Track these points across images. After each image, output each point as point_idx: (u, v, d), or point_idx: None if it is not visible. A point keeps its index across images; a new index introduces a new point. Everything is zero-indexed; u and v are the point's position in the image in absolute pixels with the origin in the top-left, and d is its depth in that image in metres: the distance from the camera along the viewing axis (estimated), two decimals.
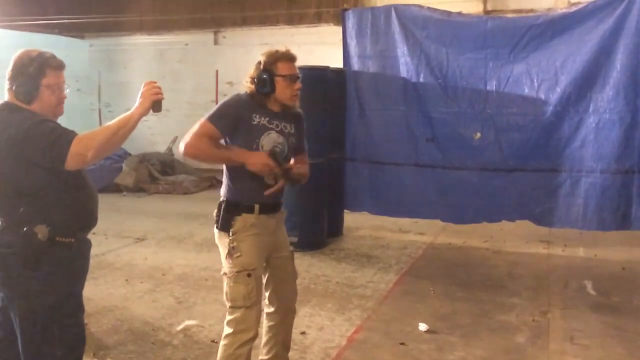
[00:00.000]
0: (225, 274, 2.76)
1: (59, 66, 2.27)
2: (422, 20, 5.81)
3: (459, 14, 5.86)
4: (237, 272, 2.70)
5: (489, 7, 8.97)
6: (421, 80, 5.83)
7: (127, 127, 2.16)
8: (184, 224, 6.93)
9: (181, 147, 2.69)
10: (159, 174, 9.59)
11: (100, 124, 11.34)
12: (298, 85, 2.77)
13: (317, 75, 6.02)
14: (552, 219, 5.48)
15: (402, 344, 3.66)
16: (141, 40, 10.89)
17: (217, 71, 10.15)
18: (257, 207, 2.73)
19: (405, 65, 5.88)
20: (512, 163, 5.55)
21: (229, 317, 2.77)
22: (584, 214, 5.36)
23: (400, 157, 5.93)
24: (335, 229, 6.26)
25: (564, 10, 5.57)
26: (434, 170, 5.86)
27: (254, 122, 2.72)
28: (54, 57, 2.26)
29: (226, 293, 2.75)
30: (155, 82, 2.27)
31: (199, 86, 10.60)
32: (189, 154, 2.69)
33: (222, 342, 2.79)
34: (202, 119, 2.68)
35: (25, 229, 2.17)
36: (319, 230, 5.89)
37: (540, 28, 5.42)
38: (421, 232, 6.45)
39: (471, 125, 5.67)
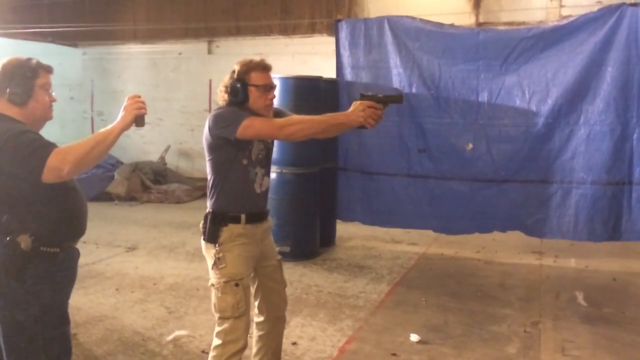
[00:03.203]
0: (212, 285, 2.75)
1: (49, 69, 2.29)
2: (414, 32, 5.85)
3: (451, 25, 5.89)
4: (224, 282, 2.70)
5: (481, 20, 9.03)
6: (414, 91, 5.86)
7: (107, 142, 2.12)
8: (175, 233, 6.90)
9: (282, 137, 2.59)
10: (151, 183, 9.56)
11: (93, 132, 11.29)
12: (272, 95, 2.75)
13: (310, 86, 6.05)
14: (543, 230, 5.51)
15: (393, 354, 3.65)
16: (135, 49, 10.89)
17: (210, 80, 10.15)
18: (243, 216, 2.73)
19: (397, 76, 5.92)
20: (504, 174, 5.57)
21: (217, 328, 2.75)
22: (575, 225, 5.39)
23: (393, 168, 5.95)
24: (327, 239, 6.26)
25: (555, 23, 5.61)
26: (426, 181, 5.87)
27: None
28: (40, 63, 2.27)
29: (214, 304, 2.74)
30: (139, 96, 2.24)
31: (192, 95, 10.60)
32: (289, 135, 2.59)
33: (212, 354, 2.77)
34: (241, 124, 2.53)
35: (7, 238, 2.13)
36: (311, 241, 5.88)
37: (531, 40, 5.46)
38: (413, 242, 6.46)
39: (463, 136, 5.70)
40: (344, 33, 6.16)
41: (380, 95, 2.58)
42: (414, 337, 3.87)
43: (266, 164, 2.85)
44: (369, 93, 2.60)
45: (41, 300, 2.19)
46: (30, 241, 2.14)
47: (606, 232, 5.31)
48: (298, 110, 5.57)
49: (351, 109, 2.51)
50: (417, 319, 4.26)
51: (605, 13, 5.28)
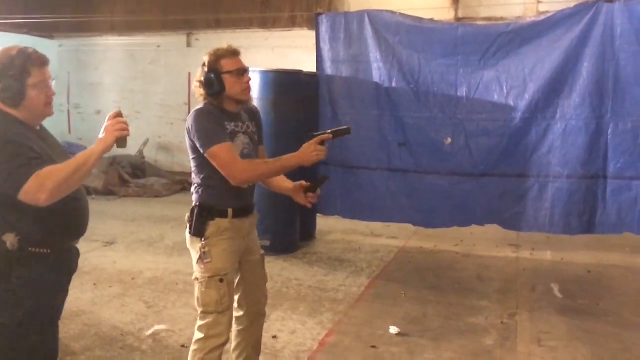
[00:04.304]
0: (196, 279, 2.74)
1: (43, 62, 2.12)
2: (394, 26, 5.86)
3: (431, 20, 5.93)
4: (209, 277, 2.69)
5: (460, 15, 9.10)
6: (394, 85, 5.87)
7: (87, 166, 2.03)
8: (154, 228, 6.85)
9: (232, 180, 2.63)
10: (130, 177, 9.46)
11: (69, 125, 11.15)
12: (247, 78, 2.74)
13: (290, 79, 6.04)
14: (520, 224, 5.57)
15: (373, 347, 3.68)
16: (112, 41, 10.74)
17: (189, 73, 10.05)
18: (230, 211, 2.72)
19: (378, 70, 5.92)
20: (482, 168, 5.62)
21: (200, 322, 2.75)
22: (551, 218, 5.46)
23: (373, 162, 5.96)
24: (307, 233, 6.27)
25: (533, 19, 5.67)
26: (405, 175, 5.90)
27: (228, 130, 2.71)
28: (36, 52, 2.10)
29: (197, 298, 2.73)
30: (121, 116, 2.15)
31: (171, 88, 10.50)
32: (245, 180, 2.67)
33: (193, 348, 2.77)
34: (212, 148, 2.59)
35: None
36: (291, 234, 5.89)
37: (510, 36, 5.50)
38: (393, 236, 6.50)
39: (442, 130, 5.73)
40: (324, 27, 6.14)
41: (329, 131, 2.71)
42: (393, 330, 3.90)
43: (253, 158, 2.85)
44: (318, 133, 2.70)
45: (27, 304, 2.07)
46: (16, 240, 2.02)
47: (581, 225, 5.38)
48: (279, 104, 5.63)
49: (302, 150, 2.63)
50: (396, 311, 4.29)
51: (582, 9, 5.33)
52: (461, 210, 5.72)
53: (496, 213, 5.62)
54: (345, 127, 2.85)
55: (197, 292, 2.73)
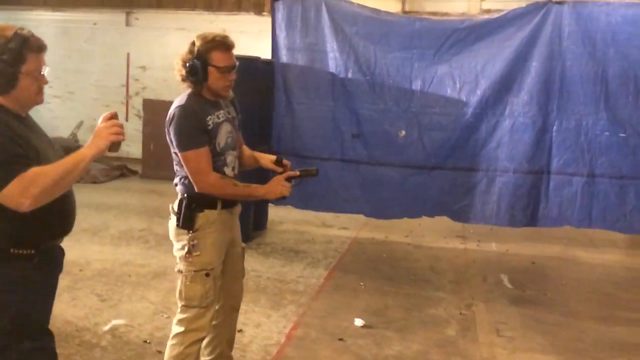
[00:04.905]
0: (180, 271, 2.65)
1: (41, 48, 1.92)
2: (351, 17, 5.85)
3: (388, 13, 5.96)
4: (194, 271, 2.61)
5: (407, 8, 9.22)
6: (349, 76, 5.87)
7: (77, 171, 1.87)
8: (96, 216, 6.54)
9: (197, 187, 2.57)
10: None
11: None
12: (233, 76, 2.67)
13: (247, 66, 5.78)
14: (468, 216, 5.72)
15: (340, 339, 3.69)
16: (44, 17, 10.12)
17: (128, 54, 9.68)
18: (219, 202, 2.65)
19: (334, 60, 5.90)
20: (434, 161, 5.73)
21: (180, 316, 2.66)
22: (498, 211, 5.65)
23: (326, 152, 5.95)
24: (259, 223, 6.19)
25: (487, 17, 5.82)
26: (358, 166, 5.93)
27: (210, 126, 2.62)
28: (33, 36, 1.91)
29: (180, 291, 2.64)
30: (117, 118, 1.99)
31: (108, 69, 10.05)
32: (208, 193, 2.60)
33: (171, 342, 2.68)
34: (186, 152, 2.54)
35: None
36: (244, 224, 5.73)
37: (464, 32, 5.62)
38: (344, 226, 6.53)
39: (396, 123, 5.79)
40: (280, 14, 6.04)
41: (298, 170, 2.81)
42: (359, 322, 3.93)
43: (235, 145, 2.78)
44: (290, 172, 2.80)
45: (12, 310, 1.90)
46: None
47: (525, 218, 5.60)
48: (235, 90, 5.43)
49: (270, 184, 2.72)
50: (358, 303, 4.33)
51: (533, 9, 5.51)
52: (412, 202, 5.82)
53: (446, 205, 5.76)
54: (313, 168, 2.94)
55: (180, 285, 2.65)
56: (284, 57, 6.04)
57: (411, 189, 5.79)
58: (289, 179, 2.73)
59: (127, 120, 10.09)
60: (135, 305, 4.11)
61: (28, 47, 1.88)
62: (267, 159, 2.93)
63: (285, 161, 2.88)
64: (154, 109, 8.54)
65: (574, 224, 5.45)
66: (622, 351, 3.66)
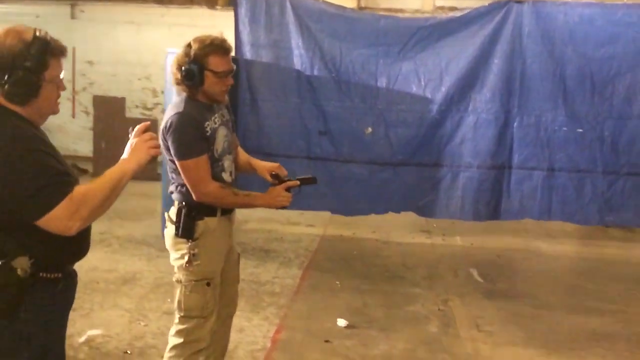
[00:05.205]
0: (179, 281, 2.55)
1: (62, 52, 1.77)
2: (317, 13, 5.79)
3: (353, 10, 5.94)
4: (195, 281, 2.52)
5: (363, 4, 9.23)
6: (315, 73, 5.82)
7: (121, 188, 1.77)
8: None
9: (196, 197, 2.47)
10: None
11: None
12: (230, 80, 2.62)
13: None
14: (433, 211, 5.80)
15: (327, 341, 3.67)
16: None
17: (74, 48, 9.24)
18: (219, 209, 2.56)
19: (299, 57, 5.83)
20: (400, 157, 5.77)
21: (179, 327, 2.57)
22: (462, 205, 5.75)
23: (293, 150, 5.88)
24: None
25: (451, 15, 5.90)
26: (325, 163, 5.90)
27: (208, 132, 2.53)
28: (54, 39, 1.74)
29: (179, 301, 2.55)
30: (150, 130, 1.89)
31: None
32: (206, 202, 2.51)
33: (169, 354, 2.59)
34: (186, 161, 2.45)
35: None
36: None
37: (428, 30, 5.67)
38: (310, 224, 6.50)
39: (363, 119, 5.80)
40: (243, 8, 5.90)
41: (297, 179, 2.78)
42: (342, 322, 3.91)
43: (232, 149, 2.70)
44: (286, 178, 2.77)
45: (34, 342, 1.74)
46: (29, 265, 1.66)
47: (488, 212, 5.73)
48: None
49: (270, 194, 2.67)
50: (337, 302, 4.31)
51: (494, 8, 5.62)
52: (379, 198, 5.85)
53: (412, 201, 5.82)
54: (311, 176, 2.90)
55: (178, 295, 2.55)
56: (248, 53, 5.92)
57: (378, 185, 5.82)
58: (288, 189, 2.66)
59: (73, 117, 9.69)
60: (109, 313, 3.95)
61: (51, 52, 1.73)
62: (263, 169, 2.84)
63: (282, 172, 2.80)
64: (105, 106, 8.23)
65: (534, 217, 5.62)
66: (597, 342, 3.80)
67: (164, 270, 4.77)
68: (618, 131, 5.54)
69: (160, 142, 2.58)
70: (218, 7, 9.12)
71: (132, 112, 9.33)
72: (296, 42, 5.82)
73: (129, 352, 3.43)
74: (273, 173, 2.79)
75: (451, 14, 6.02)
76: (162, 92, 9.77)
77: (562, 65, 5.48)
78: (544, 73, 5.50)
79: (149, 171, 8.00)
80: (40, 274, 1.71)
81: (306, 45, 5.81)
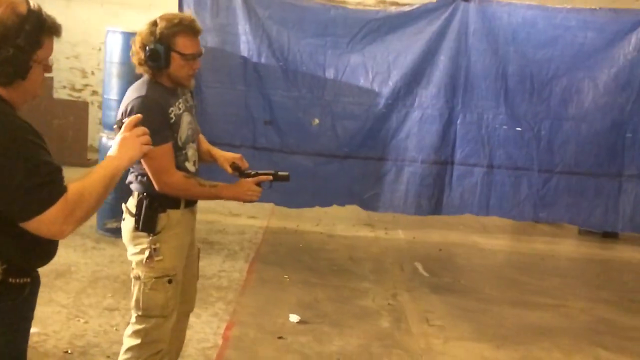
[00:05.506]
0: (138, 278, 2.37)
1: (58, 31, 1.56)
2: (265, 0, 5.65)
3: None
4: (155, 278, 2.35)
5: None
6: (262, 61, 5.66)
7: (113, 186, 1.61)
8: None
9: (158, 187, 2.29)
10: None
11: None
12: (197, 64, 2.48)
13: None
14: (377, 204, 5.81)
15: (280, 337, 3.58)
16: None
17: None
18: (182, 200, 2.40)
19: (246, 43, 5.65)
20: (346, 150, 5.73)
21: (136, 327, 2.40)
22: (405, 199, 5.80)
23: (237, 139, 5.70)
24: None
25: (400, 9, 5.90)
26: (271, 154, 5.77)
27: (173, 119, 2.37)
28: (49, 16, 1.54)
29: (137, 300, 2.37)
30: (139, 123, 1.73)
31: None
32: (170, 193, 2.34)
33: (124, 357, 2.41)
34: (157, 149, 2.20)
35: None
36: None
37: (378, 22, 5.64)
38: (252, 215, 6.35)
39: (310, 110, 5.71)
40: None
41: (270, 173, 2.69)
42: (294, 318, 3.83)
43: (195, 137, 2.55)
44: (252, 172, 2.64)
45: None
46: (1, 271, 1.49)
47: (430, 207, 5.81)
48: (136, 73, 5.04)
49: (240, 187, 2.54)
50: (287, 297, 4.22)
51: (442, 5, 5.66)
52: (324, 191, 5.79)
53: (356, 194, 5.80)
54: (286, 173, 2.77)
55: (137, 294, 2.37)
56: None
57: (323, 177, 5.76)
58: (259, 184, 2.53)
59: None
60: (44, 309, 3.66)
61: (47, 29, 1.53)
62: (223, 159, 2.70)
63: (242, 165, 2.66)
64: None
65: (474, 212, 5.75)
66: (543, 335, 3.93)
67: (100, 263, 4.52)
68: (554, 131, 5.73)
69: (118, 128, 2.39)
70: None
71: (59, 93, 8.78)
72: (243, 27, 5.64)
73: (69, 351, 3.20)
74: (234, 164, 2.66)
75: (400, 8, 6.03)
76: (93, 73, 9.36)
77: (504, 65, 5.60)
78: (487, 71, 5.60)
79: (77, 156, 7.64)
80: (10, 280, 1.52)
81: (254, 31, 5.64)
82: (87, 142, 8.18)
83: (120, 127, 1.73)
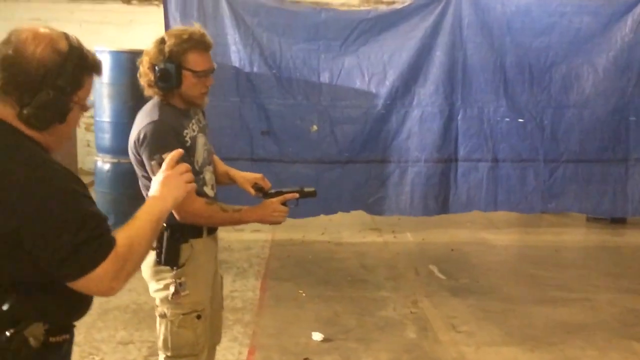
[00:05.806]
0: (164, 315, 2.19)
1: (99, 69, 1.41)
2: (253, 6, 5.48)
3: (292, 2, 5.68)
4: (183, 314, 2.18)
5: None
6: (255, 70, 5.50)
7: (158, 232, 1.47)
8: None
9: (179, 217, 2.11)
10: None
11: None
12: (210, 81, 2.30)
13: (135, 61, 5.28)
14: (383, 208, 5.68)
15: (306, 359, 3.40)
16: None
17: None
18: (205, 227, 2.23)
19: (237, 53, 5.49)
20: (347, 155, 5.60)
21: None
22: (411, 201, 5.67)
23: (235, 152, 5.52)
24: None
25: (392, 7, 5.78)
26: (270, 165, 5.61)
27: (188, 142, 2.21)
28: (90, 52, 1.39)
29: (165, 339, 2.20)
30: (181, 161, 1.59)
31: None
32: (191, 222, 2.17)
33: None
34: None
35: (8, 333, 1.27)
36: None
37: (370, 22, 5.52)
38: (256, 229, 6.13)
39: (307, 117, 5.57)
40: (173, 3, 5.44)
41: (296, 190, 2.49)
42: (317, 336, 3.66)
43: (211, 159, 2.38)
44: (275, 191, 2.46)
45: None
46: (43, 332, 1.31)
47: (437, 206, 5.69)
48: (137, 89, 4.90)
49: (264, 208, 2.35)
50: (305, 314, 4.05)
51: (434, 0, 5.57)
52: (328, 198, 5.62)
53: (361, 199, 5.67)
54: (311, 189, 2.58)
55: (164, 333, 2.20)
56: None
57: (326, 185, 5.60)
58: (285, 203, 2.36)
59: None
60: None
61: (90, 67, 1.37)
62: (243, 180, 2.51)
63: (265, 185, 2.49)
64: None
65: (482, 208, 5.64)
66: (573, 333, 3.79)
67: None
68: (557, 120, 5.65)
69: (131, 157, 2.22)
70: (134, 1, 8.52)
71: None
72: (232, 37, 5.48)
73: None
74: (256, 185, 2.49)
75: (392, 7, 5.90)
76: None
77: (501, 56, 5.51)
78: (484, 64, 5.51)
79: None
80: (51, 339, 1.35)
81: (244, 40, 5.48)
82: (77, 165, 7.95)
83: (160, 164, 1.56)
